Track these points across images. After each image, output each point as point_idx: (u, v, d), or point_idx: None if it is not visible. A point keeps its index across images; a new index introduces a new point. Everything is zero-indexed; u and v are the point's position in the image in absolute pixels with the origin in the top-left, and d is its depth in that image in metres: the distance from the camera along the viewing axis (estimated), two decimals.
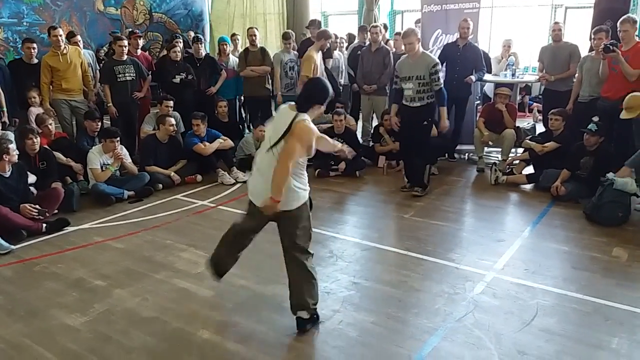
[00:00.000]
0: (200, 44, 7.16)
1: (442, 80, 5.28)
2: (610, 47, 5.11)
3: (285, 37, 7.38)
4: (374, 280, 3.71)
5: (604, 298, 3.38)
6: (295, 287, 3.06)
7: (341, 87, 7.49)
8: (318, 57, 6.39)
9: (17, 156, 4.67)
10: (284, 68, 7.05)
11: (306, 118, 2.91)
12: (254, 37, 7.29)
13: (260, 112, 7.42)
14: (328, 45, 6.72)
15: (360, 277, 3.76)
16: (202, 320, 3.22)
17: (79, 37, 7.15)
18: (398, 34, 7.65)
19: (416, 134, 5.38)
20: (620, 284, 3.59)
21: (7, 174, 4.66)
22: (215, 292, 3.58)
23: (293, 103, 3.00)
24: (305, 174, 3.03)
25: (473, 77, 6.33)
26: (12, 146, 4.64)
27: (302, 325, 3.06)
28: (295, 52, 7.24)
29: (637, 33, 5.31)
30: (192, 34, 9.69)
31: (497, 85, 6.92)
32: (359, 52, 7.27)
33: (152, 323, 3.20)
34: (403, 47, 5.49)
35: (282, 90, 7.04)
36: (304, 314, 3.06)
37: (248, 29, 7.62)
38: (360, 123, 7.57)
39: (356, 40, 8.22)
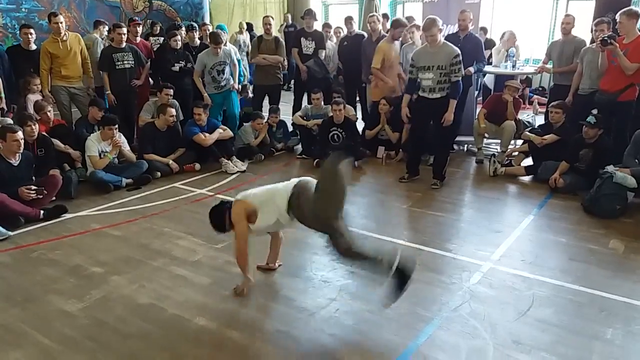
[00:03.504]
0: (195, 32, 7.11)
1: (462, 72, 5.13)
2: (608, 40, 5.06)
3: (216, 41, 6.44)
4: None
5: (600, 289, 3.40)
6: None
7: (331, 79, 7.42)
8: (392, 47, 6.43)
9: (22, 145, 4.63)
10: (209, 73, 6.52)
11: None
12: (268, 26, 7.28)
13: (270, 99, 7.40)
14: (402, 34, 6.56)
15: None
16: (199, 307, 3.23)
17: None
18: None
19: (441, 127, 5.22)
20: (616, 276, 3.60)
21: (16, 163, 4.68)
22: (212, 279, 3.59)
23: None
24: None
25: (472, 69, 6.28)
26: (19, 134, 4.59)
27: None
28: (228, 50, 6.66)
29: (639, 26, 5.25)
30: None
31: (507, 77, 6.85)
32: (345, 42, 7.21)
33: (148, 310, 3.21)
34: (419, 39, 5.28)
35: (208, 90, 6.58)
36: None
37: (264, 17, 7.57)
38: (360, 114, 7.55)
39: (344, 32, 7.93)
